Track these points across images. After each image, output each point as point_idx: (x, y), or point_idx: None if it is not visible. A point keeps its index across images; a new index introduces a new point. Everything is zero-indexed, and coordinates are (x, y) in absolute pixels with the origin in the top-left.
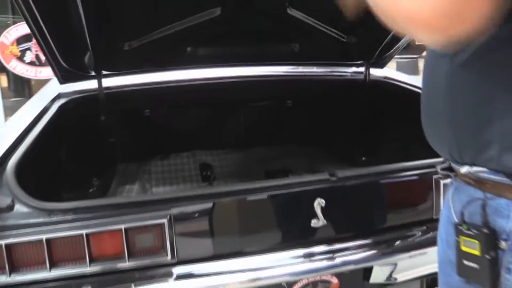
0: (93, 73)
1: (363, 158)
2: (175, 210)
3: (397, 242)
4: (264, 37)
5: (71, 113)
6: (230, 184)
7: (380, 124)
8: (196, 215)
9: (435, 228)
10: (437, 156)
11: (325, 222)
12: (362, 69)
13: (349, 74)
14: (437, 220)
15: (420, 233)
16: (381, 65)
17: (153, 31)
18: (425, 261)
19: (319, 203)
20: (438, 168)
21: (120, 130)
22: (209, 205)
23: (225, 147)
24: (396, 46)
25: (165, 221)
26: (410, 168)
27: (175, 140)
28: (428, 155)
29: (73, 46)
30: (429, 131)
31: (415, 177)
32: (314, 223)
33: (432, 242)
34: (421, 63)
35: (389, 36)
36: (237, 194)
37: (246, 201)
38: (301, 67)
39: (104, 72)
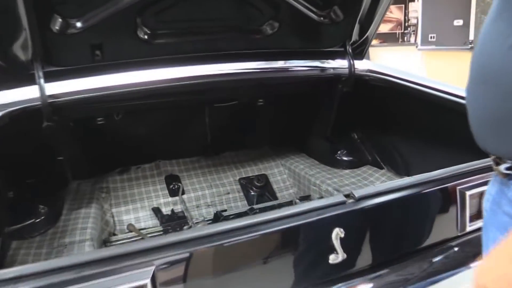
0: (32, 72)
1: (345, 159)
2: (159, 263)
3: (428, 268)
4: (233, 23)
5: (5, 130)
6: (223, 220)
7: (365, 123)
8: (190, 265)
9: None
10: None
11: (345, 255)
12: (344, 62)
13: (330, 67)
14: (462, 237)
15: (448, 255)
16: (361, 52)
17: (99, 6)
18: None
19: (337, 234)
20: (502, 168)
21: (69, 144)
22: (204, 250)
23: (192, 154)
24: (374, 21)
25: (147, 282)
26: (434, 180)
27: (135, 150)
28: (415, 155)
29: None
30: (486, 128)
31: (439, 189)
32: (332, 259)
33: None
34: (379, 51)
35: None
36: (236, 233)
37: (249, 241)
38: (273, 62)
39: (47, 69)
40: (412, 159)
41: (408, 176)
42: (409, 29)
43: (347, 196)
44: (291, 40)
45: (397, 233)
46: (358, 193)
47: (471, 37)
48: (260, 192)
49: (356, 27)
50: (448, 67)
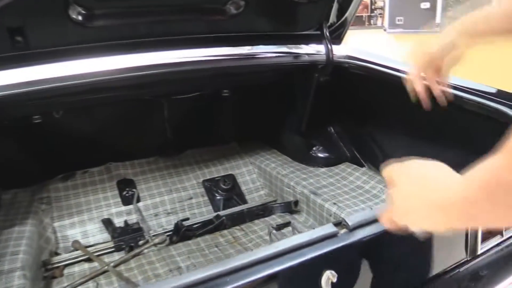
0: None
1: (321, 156)
2: None
3: None
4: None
5: None
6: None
7: (343, 115)
8: None
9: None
10: None
11: None
12: (320, 47)
13: (305, 54)
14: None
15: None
16: (338, 36)
17: None
18: None
19: (328, 279)
20: None
21: (0, 148)
22: None
23: (149, 154)
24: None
25: None
26: None
27: (81, 152)
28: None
29: None
30: None
31: None
32: None
33: None
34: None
35: None
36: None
37: None
38: (239, 47)
39: None
40: (396, 156)
41: None
42: (375, 12)
43: (338, 224)
44: (259, 22)
45: (401, 266)
46: (351, 220)
47: (438, 20)
48: (227, 195)
49: (334, 7)
50: None
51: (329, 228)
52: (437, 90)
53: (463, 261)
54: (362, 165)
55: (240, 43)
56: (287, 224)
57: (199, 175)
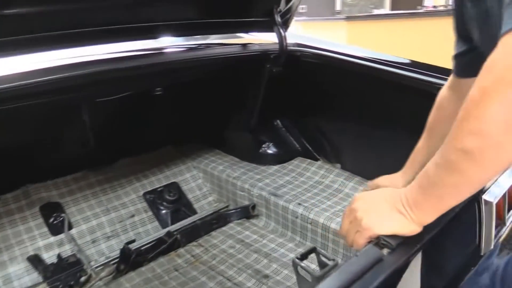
0: None
1: (271, 152)
2: None
3: None
4: None
5: None
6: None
7: (292, 108)
8: None
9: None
10: None
11: None
12: (270, 35)
13: (255, 43)
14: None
15: None
16: (285, 22)
17: None
18: None
19: None
20: None
21: None
22: None
23: (74, 169)
24: None
25: None
26: None
27: None
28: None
29: None
30: None
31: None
32: None
33: None
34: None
35: None
36: None
37: None
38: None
39: None
40: (352, 147)
41: (350, 168)
42: None
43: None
44: (200, 7)
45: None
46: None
47: (338, 7)
48: (174, 207)
49: None
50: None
51: (371, 253)
52: None
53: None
54: (316, 159)
55: (179, 32)
56: (312, 250)
57: (138, 187)
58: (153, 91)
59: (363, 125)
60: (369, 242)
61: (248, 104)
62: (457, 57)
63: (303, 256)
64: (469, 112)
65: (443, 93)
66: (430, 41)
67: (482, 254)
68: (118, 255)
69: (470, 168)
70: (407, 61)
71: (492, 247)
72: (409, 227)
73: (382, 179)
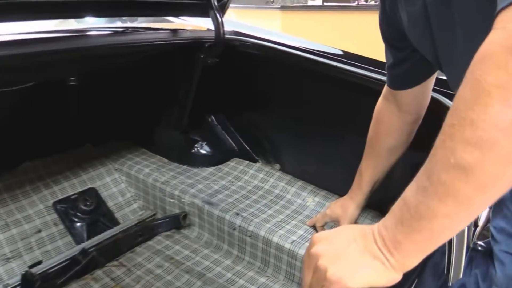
0: None
1: (205, 153)
2: None
3: None
4: None
5: None
6: None
7: (228, 103)
8: None
9: None
10: None
11: None
12: (205, 20)
13: (187, 30)
14: None
15: None
16: (222, 7)
17: None
18: None
19: None
20: None
21: None
22: None
23: None
24: None
25: None
26: None
27: None
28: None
29: None
30: None
31: None
32: None
33: None
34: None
35: None
36: None
37: None
38: (95, 19)
39: None
40: (293, 147)
41: (291, 169)
42: None
43: None
44: None
45: None
46: None
47: None
48: (90, 218)
49: None
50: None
51: None
52: None
53: None
54: (254, 160)
55: (99, 12)
56: None
57: (46, 195)
58: (67, 81)
59: (304, 122)
60: None
61: (179, 99)
62: (390, 68)
63: None
64: (461, 117)
65: (380, 105)
66: (362, 34)
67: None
68: (18, 283)
69: (469, 189)
70: (351, 55)
71: (461, 276)
72: (388, 276)
73: (333, 207)
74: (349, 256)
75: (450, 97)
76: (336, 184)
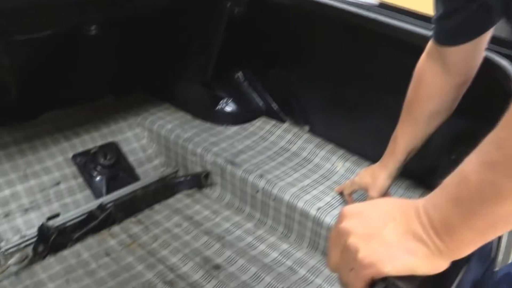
0: None
1: (230, 110)
2: None
3: None
4: None
5: None
6: None
7: (257, 58)
8: None
9: None
10: None
11: None
12: None
13: None
14: None
15: None
16: None
17: None
18: None
19: None
20: None
21: None
22: None
23: None
24: None
25: None
26: None
27: None
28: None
29: None
30: None
31: None
32: None
33: None
34: None
35: None
36: None
37: None
38: None
39: None
40: (325, 107)
41: (321, 132)
42: None
43: None
44: None
45: None
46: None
47: None
48: (110, 173)
49: None
50: None
51: None
52: None
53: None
54: (282, 120)
55: None
56: None
57: (66, 148)
58: (87, 30)
59: (338, 82)
60: (371, 285)
61: (204, 51)
62: (439, 20)
63: None
64: None
65: (422, 64)
66: None
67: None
68: (35, 234)
69: None
70: (390, 6)
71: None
72: (433, 263)
73: (363, 174)
74: (386, 236)
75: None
76: (369, 149)
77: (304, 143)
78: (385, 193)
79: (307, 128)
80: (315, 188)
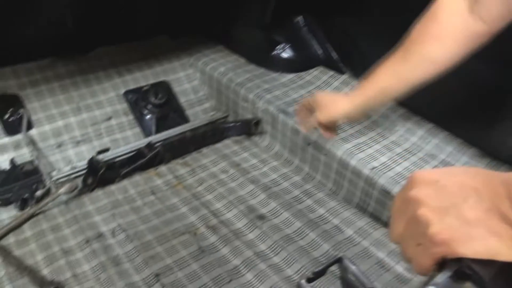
0: None
1: (287, 57)
2: None
3: None
4: None
5: None
6: None
7: (315, 2)
8: None
9: None
10: None
11: None
12: None
13: None
14: None
15: None
16: None
17: None
18: None
19: None
20: None
21: None
22: None
23: (40, 55)
24: None
25: None
26: None
27: None
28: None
29: None
30: None
31: None
32: None
33: None
34: None
35: None
36: None
37: None
38: None
39: None
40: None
41: None
42: None
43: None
44: None
45: None
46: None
47: None
48: (160, 112)
49: None
50: None
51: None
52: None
53: None
54: (341, 71)
55: None
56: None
57: (119, 84)
58: None
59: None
60: (441, 265)
61: None
62: None
63: (317, 275)
64: None
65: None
66: None
67: None
68: (85, 166)
69: None
70: None
71: None
72: None
73: (326, 95)
74: (466, 211)
75: None
76: (431, 110)
77: None
78: (332, 124)
79: None
80: (370, 147)
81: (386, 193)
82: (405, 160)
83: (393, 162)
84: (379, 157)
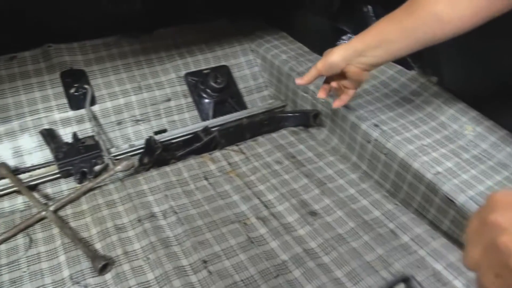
0: None
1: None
2: None
3: None
4: None
5: None
6: None
7: None
8: None
9: None
10: None
11: None
12: None
13: None
14: None
15: None
16: None
17: None
18: None
19: None
20: None
21: None
22: None
23: (107, 33)
24: None
25: None
26: None
27: (5, 28)
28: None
29: None
30: None
31: None
32: None
33: None
34: None
35: None
36: None
37: None
38: None
39: None
40: (463, 58)
41: (451, 86)
42: None
43: None
44: None
45: None
46: None
47: None
48: (219, 97)
49: None
50: None
51: None
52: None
53: None
54: (409, 67)
55: None
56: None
57: (180, 65)
58: None
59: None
60: None
61: None
62: None
63: None
64: None
65: None
66: None
67: None
68: (143, 146)
69: None
70: None
71: None
72: None
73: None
74: None
75: None
76: (509, 114)
77: (431, 97)
78: (330, 70)
79: (435, 79)
80: (435, 150)
81: (449, 202)
82: (473, 167)
83: (460, 169)
84: (445, 162)
